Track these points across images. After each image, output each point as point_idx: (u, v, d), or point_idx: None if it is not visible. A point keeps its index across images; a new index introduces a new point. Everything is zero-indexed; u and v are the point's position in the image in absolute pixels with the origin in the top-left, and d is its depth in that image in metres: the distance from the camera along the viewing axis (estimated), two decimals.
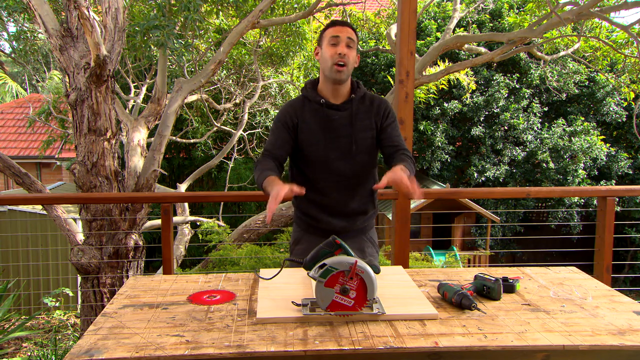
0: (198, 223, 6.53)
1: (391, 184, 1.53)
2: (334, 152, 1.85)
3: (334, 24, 1.85)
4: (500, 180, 10.45)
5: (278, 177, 1.67)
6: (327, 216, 1.90)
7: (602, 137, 10.62)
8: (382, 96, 2.37)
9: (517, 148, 10.68)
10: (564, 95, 10.48)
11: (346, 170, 1.86)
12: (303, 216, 1.96)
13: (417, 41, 10.17)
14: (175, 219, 6.08)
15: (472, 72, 9.22)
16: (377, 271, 1.45)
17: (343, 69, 1.78)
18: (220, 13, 6.06)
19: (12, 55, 10.07)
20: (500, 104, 10.28)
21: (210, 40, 6.79)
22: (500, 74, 10.50)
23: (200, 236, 5.66)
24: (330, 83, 1.84)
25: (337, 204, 1.90)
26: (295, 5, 6.07)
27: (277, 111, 8.66)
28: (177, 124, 8.09)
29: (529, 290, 1.68)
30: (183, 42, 4.45)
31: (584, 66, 10.09)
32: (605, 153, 10.40)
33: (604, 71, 8.31)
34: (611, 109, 10.73)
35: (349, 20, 7.51)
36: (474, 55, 6.49)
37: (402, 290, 1.62)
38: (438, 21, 10.88)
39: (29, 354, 4.89)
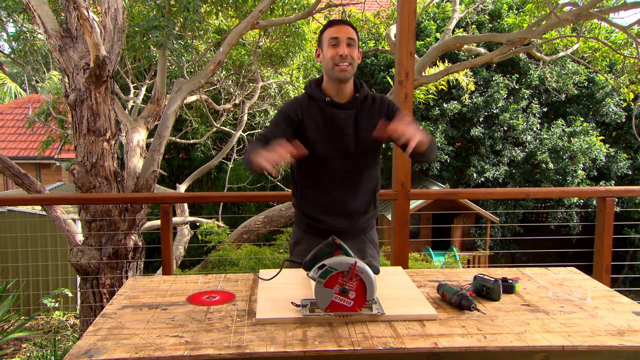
0: (197, 224, 6.52)
1: (392, 133, 1.60)
2: (336, 150, 1.86)
3: (331, 23, 1.85)
4: (500, 180, 10.45)
5: None
6: (327, 216, 1.90)
7: (602, 137, 10.62)
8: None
9: (516, 148, 10.68)
10: (564, 95, 10.49)
11: (347, 169, 1.88)
12: (303, 217, 1.97)
13: (417, 42, 10.17)
14: (175, 219, 6.08)
15: (472, 73, 9.21)
16: (376, 272, 1.45)
17: (348, 67, 1.80)
18: (220, 14, 6.06)
19: (12, 55, 10.07)
20: (500, 104, 10.28)
21: (210, 40, 6.79)
22: (500, 75, 10.50)
23: (199, 237, 5.66)
24: (334, 82, 1.86)
25: (337, 203, 1.90)
26: (295, 6, 6.07)
27: (276, 112, 8.64)
28: (176, 125, 8.08)
29: (529, 290, 1.68)
30: (182, 43, 4.45)
31: (583, 67, 10.09)
32: (605, 154, 10.40)
33: (603, 72, 8.30)
34: (610, 109, 10.73)
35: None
36: (473, 56, 6.49)
37: (401, 290, 1.62)
38: (437, 22, 10.89)
39: (28, 354, 4.88)
